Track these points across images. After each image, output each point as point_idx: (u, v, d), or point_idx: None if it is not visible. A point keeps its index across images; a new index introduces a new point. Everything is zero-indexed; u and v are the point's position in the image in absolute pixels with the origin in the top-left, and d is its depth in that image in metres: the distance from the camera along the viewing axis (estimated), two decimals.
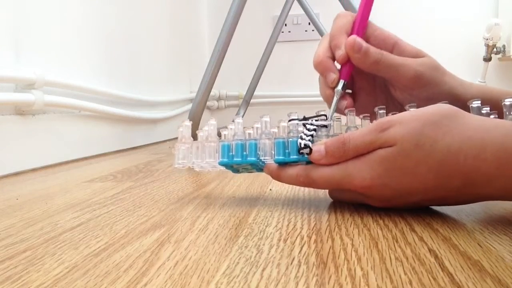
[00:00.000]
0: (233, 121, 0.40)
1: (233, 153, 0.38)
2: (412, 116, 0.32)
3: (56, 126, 0.78)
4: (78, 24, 0.87)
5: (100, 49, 0.96)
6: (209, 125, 0.41)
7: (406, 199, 0.34)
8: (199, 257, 0.26)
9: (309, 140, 0.35)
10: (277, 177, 0.37)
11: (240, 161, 0.38)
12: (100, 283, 0.23)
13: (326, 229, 0.31)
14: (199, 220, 0.35)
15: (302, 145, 0.35)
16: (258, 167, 0.38)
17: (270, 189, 0.47)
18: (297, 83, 1.69)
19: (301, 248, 0.27)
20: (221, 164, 0.39)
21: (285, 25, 1.61)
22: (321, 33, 1.39)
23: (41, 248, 0.29)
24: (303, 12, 1.39)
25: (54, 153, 0.77)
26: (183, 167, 0.41)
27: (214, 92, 1.69)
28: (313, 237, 0.30)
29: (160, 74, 1.31)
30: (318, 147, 0.34)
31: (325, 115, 0.38)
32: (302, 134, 0.36)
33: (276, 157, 0.37)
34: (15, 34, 0.69)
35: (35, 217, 0.38)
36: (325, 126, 0.37)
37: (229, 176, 0.56)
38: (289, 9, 1.40)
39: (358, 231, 0.31)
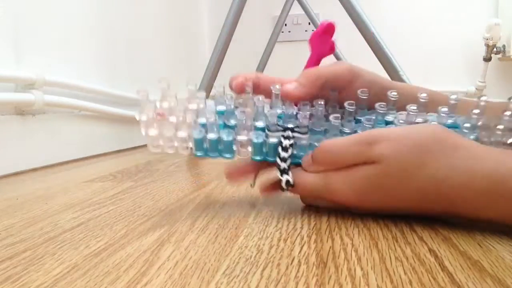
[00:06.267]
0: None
1: (208, 147, 0.36)
2: (400, 135, 0.31)
3: (56, 126, 0.78)
4: (78, 24, 0.87)
5: (100, 49, 0.96)
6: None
7: (391, 212, 0.33)
8: (199, 257, 0.26)
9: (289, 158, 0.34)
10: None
11: (217, 155, 0.36)
12: (100, 283, 0.23)
13: (326, 229, 0.31)
14: (199, 220, 0.35)
15: (284, 181, 0.34)
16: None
17: None
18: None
19: (301, 248, 0.27)
20: (197, 156, 0.37)
21: (285, 25, 1.61)
22: None
23: (41, 248, 0.29)
24: (303, 12, 1.39)
25: (54, 153, 0.77)
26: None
27: (214, 92, 1.69)
28: (313, 237, 0.30)
29: (160, 74, 1.31)
30: (307, 157, 0.34)
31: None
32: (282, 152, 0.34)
33: (253, 156, 0.36)
34: (15, 34, 0.69)
35: (35, 217, 0.38)
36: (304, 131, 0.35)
37: None
38: (289, 9, 1.40)
39: (358, 231, 0.31)
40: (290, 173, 0.34)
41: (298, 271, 0.23)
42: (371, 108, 0.37)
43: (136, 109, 0.36)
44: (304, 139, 0.35)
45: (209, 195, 0.45)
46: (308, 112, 0.35)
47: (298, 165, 0.36)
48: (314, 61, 0.39)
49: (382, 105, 0.36)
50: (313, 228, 0.32)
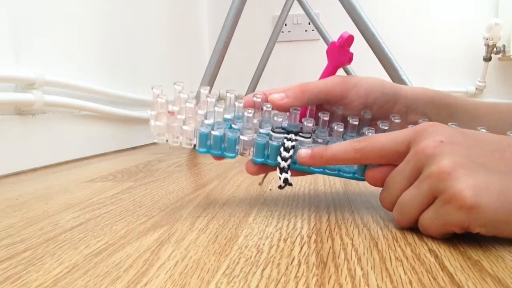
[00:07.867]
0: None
1: (211, 143, 0.36)
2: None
3: (56, 126, 0.78)
4: (78, 24, 0.87)
5: (100, 49, 0.96)
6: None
7: (481, 155, 0.28)
8: (199, 257, 0.26)
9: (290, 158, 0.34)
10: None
11: (219, 154, 0.36)
12: (100, 283, 0.23)
13: (326, 229, 0.31)
14: (199, 220, 0.35)
15: (282, 179, 0.34)
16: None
17: (270, 189, 0.47)
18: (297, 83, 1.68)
19: (301, 248, 0.27)
20: (199, 152, 0.36)
21: (285, 25, 1.61)
22: (321, 33, 1.39)
23: (41, 248, 0.29)
24: (303, 12, 1.39)
25: (54, 153, 0.77)
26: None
27: (214, 92, 1.69)
28: (313, 237, 0.30)
29: (160, 74, 1.31)
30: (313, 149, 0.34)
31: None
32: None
33: (254, 157, 0.36)
34: (15, 34, 0.69)
35: (35, 217, 0.38)
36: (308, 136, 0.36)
37: (229, 176, 0.56)
38: (289, 9, 1.40)
39: (358, 231, 0.31)
40: (289, 172, 0.34)
41: (298, 271, 0.23)
42: (377, 113, 0.38)
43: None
44: (306, 143, 0.35)
45: (209, 195, 0.45)
46: (313, 120, 0.36)
47: (297, 171, 0.36)
48: (330, 70, 0.39)
49: (384, 123, 0.37)
50: (313, 228, 0.32)
